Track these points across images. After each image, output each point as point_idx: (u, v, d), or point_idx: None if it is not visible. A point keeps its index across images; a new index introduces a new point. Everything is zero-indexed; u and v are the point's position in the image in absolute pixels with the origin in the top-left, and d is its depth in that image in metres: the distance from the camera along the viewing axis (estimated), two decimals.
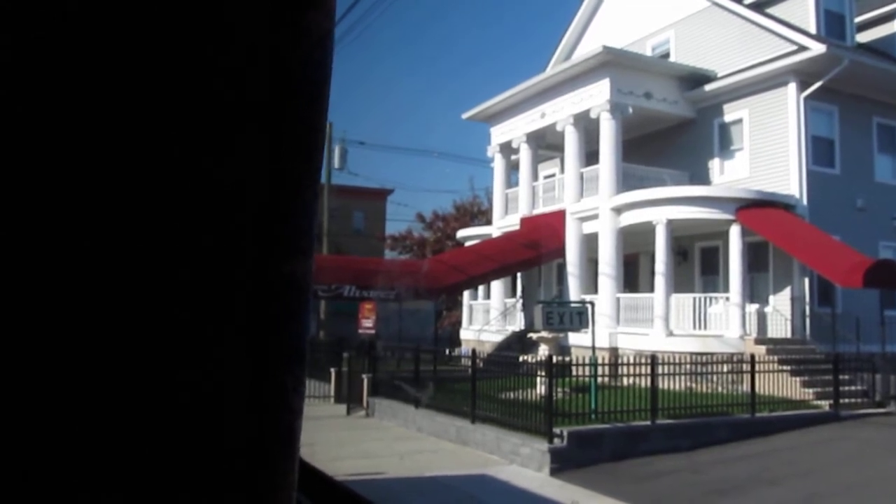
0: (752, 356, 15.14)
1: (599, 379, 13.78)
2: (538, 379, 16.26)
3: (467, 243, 26.86)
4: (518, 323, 23.58)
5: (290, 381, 0.39)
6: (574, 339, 20.26)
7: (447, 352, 20.24)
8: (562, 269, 24.89)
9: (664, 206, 18.63)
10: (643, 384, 13.89)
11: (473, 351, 14.61)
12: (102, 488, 0.33)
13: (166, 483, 0.34)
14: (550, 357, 12.46)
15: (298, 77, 0.37)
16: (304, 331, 0.40)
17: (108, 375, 0.32)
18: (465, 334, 26.31)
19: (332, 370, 20.94)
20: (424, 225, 35.82)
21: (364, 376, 18.55)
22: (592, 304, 14.23)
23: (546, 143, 24.50)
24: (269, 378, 0.38)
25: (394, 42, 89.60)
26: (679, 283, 20.04)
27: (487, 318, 25.28)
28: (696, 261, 21.58)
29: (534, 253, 21.02)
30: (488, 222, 31.58)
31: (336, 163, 31.92)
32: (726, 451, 12.94)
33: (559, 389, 15.20)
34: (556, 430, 11.96)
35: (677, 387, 14.62)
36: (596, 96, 20.58)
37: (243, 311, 0.36)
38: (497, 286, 24.48)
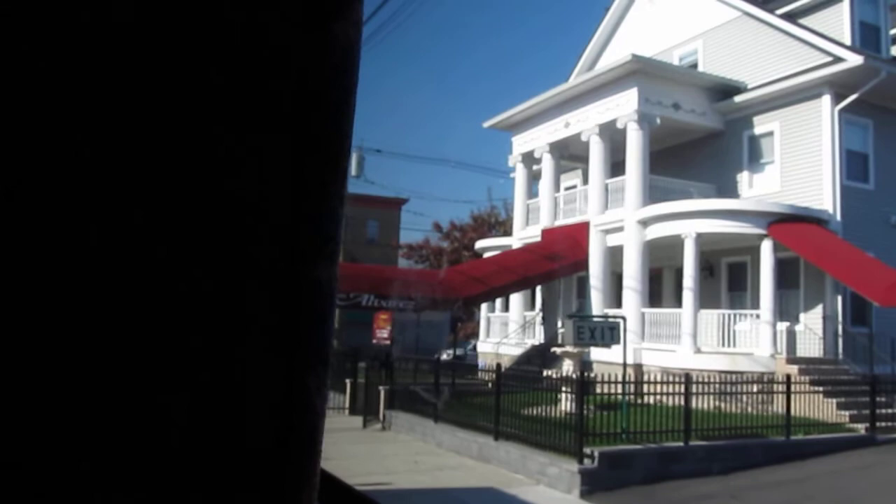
0: (788, 376, 14.56)
1: (615, 397, 13.22)
2: (562, 395, 15.78)
3: (486, 254, 26.37)
4: (538, 336, 23.06)
5: (314, 383, 0.40)
6: (596, 354, 19.73)
7: (456, 358, 19.73)
8: (582, 282, 24.38)
9: (694, 220, 18.10)
10: (670, 402, 13.33)
11: (498, 366, 14.10)
12: (127, 487, 0.34)
13: (191, 481, 0.35)
14: (582, 373, 11.93)
15: (326, 85, 0.39)
16: (328, 335, 0.41)
17: (135, 377, 0.34)
18: (483, 347, 25.79)
19: (347, 381, 20.46)
20: (441, 235, 35.38)
21: (381, 388, 18.05)
22: (624, 318, 13.70)
23: (569, 154, 24.03)
24: (293, 380, 0.39)
25: (411, 50, 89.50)
26: (704, 298, 19.48)
27: (506, 330, 24.76)
28: (723, 276, 21.02)
29: (556, 265, 20.51)
30: (506, 233, 31.13)
31: (353, 170, 31.56)
32: (762, 476, 12.37)
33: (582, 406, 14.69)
34: (587, 451, 11.43)
35: (704, 406, 14.05)
36: (623, 106, 20.10)
37: (270, 315, 0.37)
38: (516, 299, 23.98)
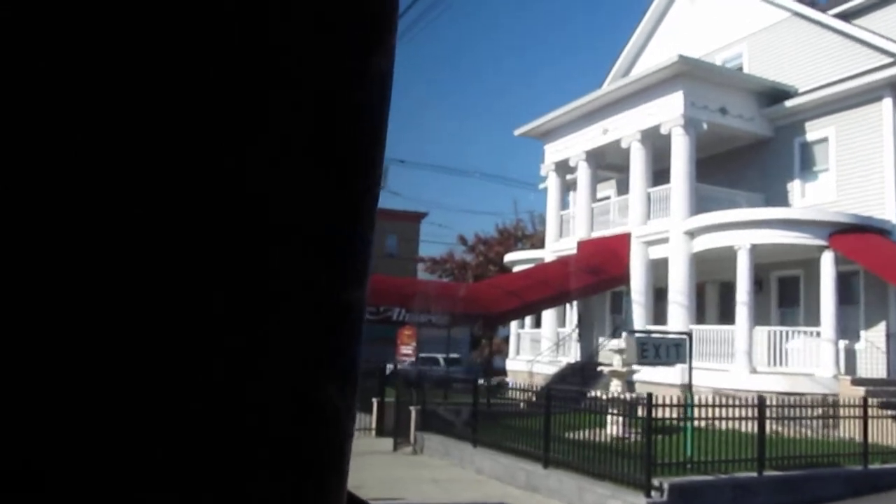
0: (865, 399, 13.31)
1: (670, 421, 12.00)
2: (609, 418, 14.62)
3: (515, 268, 25.23)
4: (573, 354, 21.84)
5: (344, 405, 0.41)
6: (640, 374, 18.58)
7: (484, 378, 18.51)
8: (616, 297, 23.21)
9: (748, 230, 16.91)
10: (723, 426, 12.07)
11: (547, 387, 12.90)
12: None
13: (216, 498, 0.36)
14: (649, 396, 10.72)
15: (360, 115, 0.41)
16: (357, 357, 0.42)
17: (160, 397, 0.35)
18: (513, 365, 24.60)
19: (374, 400, 19.31)
20: (466, 248, 34.21)
21: (412, 408, 16.89)
22: (690, 335, 12.52)
23: (605, 164, 22.95)
24: (322, 402, 0.40)
25: (436, 59, 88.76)
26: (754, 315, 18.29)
27: (538, 347, 23.58)
28: (773, 291, 19.78)
29: (594, 279, 19.36)
30: (533, 246, 30.00)
31: None
32: None
33: (631, 431, 13.57)
34: (655, 482, 10.23)
35: (752, 429, 12.76)
36: (668, 110, 19.00)
37: (300, 337, 0.39)
38: (549, 315, 22.79)
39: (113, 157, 0.34)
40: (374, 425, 19.18)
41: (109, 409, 0.34)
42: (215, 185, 0.36)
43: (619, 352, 15.56)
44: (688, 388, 12.34)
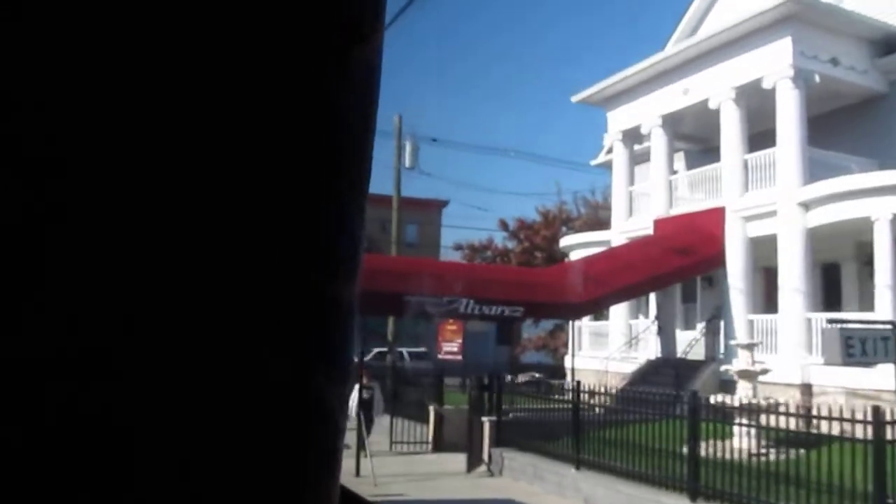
0: None
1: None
2: (738, 429, 11.89)
3: (573, 253, 22.35)
4: (653, 349, 18.96)
5: (335, 401, 0.41)
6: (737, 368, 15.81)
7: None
8: (688, 284, 20.35)
9: (888, 197, 14.02)
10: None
11: (695, 394, 10.05)
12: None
13: (207, 499, 0.36)
14: (877, 409, 7.79)
15: (349, 108, 0.41)
16: (349, 352, 0.43)
17: (143, 389, 0.35)
18: (574, 362, 21.73)
19: (431, 408, 16.47)
20: (508, 233, 31.26)
21: (485, 419, 14.05)
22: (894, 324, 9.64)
23: (679, 133, 20.07)
24: (313, 398, 0.40)
25: (465, 36, 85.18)
26: (865, 300, 15.48)
27: (601, 342, 20.73)
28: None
29: (688, 261, 16.49)
30: (580, 230, 27.12)
31: (406, 161, 27.59)
32: None
33: (763, 444, 11.03)
34: None
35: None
36: (773, 61, 16.09)
37: (290, 333, 0.39)
38: (619, 305, 19.88)
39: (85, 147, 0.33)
40: (430, 438, 16.36)
41: (93, 411, 0.33)
42: (194, 180, 0.35)
43: (748, 347, 12.73)
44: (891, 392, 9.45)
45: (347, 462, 13.12)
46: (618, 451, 11.42)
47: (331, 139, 0.40)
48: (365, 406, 13.44)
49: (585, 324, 21.97)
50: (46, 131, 0.32)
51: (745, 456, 10.76)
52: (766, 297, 16.98)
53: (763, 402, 11.77)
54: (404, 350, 29.74)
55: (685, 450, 10.37)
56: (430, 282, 13.61)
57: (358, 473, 12.75)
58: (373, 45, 0.41)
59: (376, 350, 31.16)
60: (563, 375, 24.56)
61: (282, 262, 0.38)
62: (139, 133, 0.34)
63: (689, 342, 18.64)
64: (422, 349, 31.20)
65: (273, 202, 0.38)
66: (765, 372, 12.29)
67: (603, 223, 29.39)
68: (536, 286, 14.37)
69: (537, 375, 26.60)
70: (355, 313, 0.43)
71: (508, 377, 17.29)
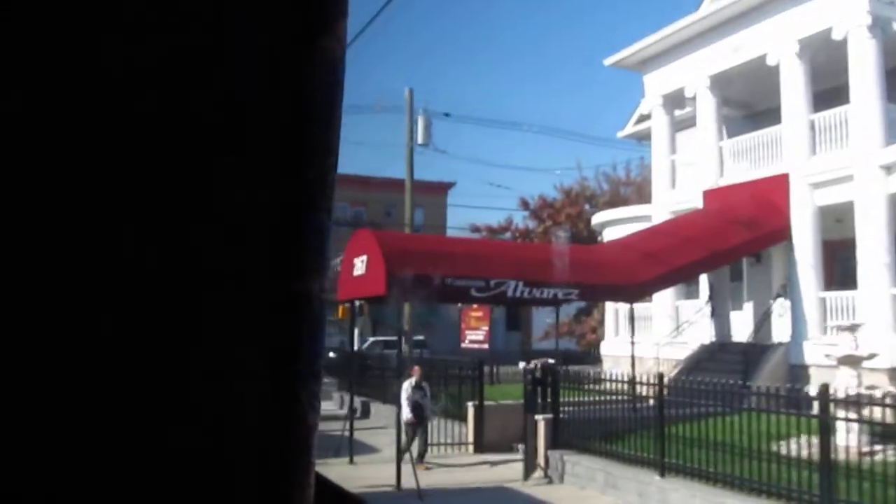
0: None
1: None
2: (843, 424, 10.24)
3: (607, 230, 20.66)
4: (708, 333, 17.28)
5: (306, 396, 0.41)
6: (801, 353, 14.33)
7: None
8: (737, 262, 18.64)
9: None
10: None
11: (825, 387, 8.38)
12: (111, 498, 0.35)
13: (180, 497, 0.36)
14: None
15: (312, 101, 0.41)
16: (319, 348, 0.42)
17: (119, 388, 0.35)
18: (611, 348, 20.08)
19: (470, 405, 14.79)
20: (529, 213, 29.50)
21: (539, 418, 12.36)
22: None
23: (724, 97, 18.30)
24: (284, 395, 0.40)
25: (476, 7, 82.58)
26: None
27: (646, 327, 19.04)
28: None
29: (753, 234, 14.79)
30: (603, 208, 25.38)
31: (419, 137, 25.80)
32: None
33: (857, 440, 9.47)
34: None
35: None
36: (844, 8, 14.35)
37: (258, 330, 0.39)
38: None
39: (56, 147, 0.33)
40: (471, 438, 14.69)
41: (66, 416, 0.33)
42: (155, 177, 0.35)
43: (850, 328, 11.08)
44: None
45: (385, 471, 11.48)
46: (709, 453, 9.75)
47: (297, 131, 0.39)
48: (417, 410, 11.78)
49: (621, 306, 20.30)
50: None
51: (852, 455, 9.14)
52: (828, 273, 15.30)
53: (866, 392, 10.16)
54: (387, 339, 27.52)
55: (786, 450, 8.81)
56: (474, 264, 11.92)
57: (399, 486, 11.07)
58: (336, 37, 0.40)
59: (371, 339, 29.52)
60: (587, 362, 22.91)
61: (249, 258, 0.37)
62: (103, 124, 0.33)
63: (756, 324, 16.97)
64: (419, 337, 29.28)
65: (239, 198, 0.37)
66: (871, 357, 10.63)
67: (626, 199, 27.72)
68: (592, 266, 12.67)
69: (551, 361, 24.95)
70: (325, 308, 0.41)
71: (521, 364, 15.65)
